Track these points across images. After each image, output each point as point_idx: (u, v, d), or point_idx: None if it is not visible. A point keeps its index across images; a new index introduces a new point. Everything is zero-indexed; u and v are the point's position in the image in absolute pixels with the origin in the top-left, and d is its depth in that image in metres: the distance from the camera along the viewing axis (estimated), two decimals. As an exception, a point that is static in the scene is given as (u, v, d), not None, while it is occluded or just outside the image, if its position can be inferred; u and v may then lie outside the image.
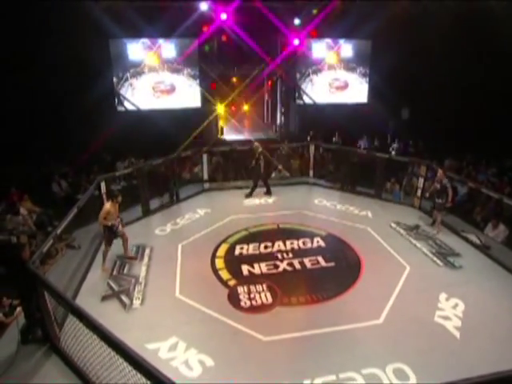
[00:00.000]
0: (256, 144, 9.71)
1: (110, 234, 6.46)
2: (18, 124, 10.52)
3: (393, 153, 13.14)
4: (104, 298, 5.67)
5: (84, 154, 11.13)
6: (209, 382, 4.21)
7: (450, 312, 5.46)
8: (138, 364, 3.05)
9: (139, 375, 3.07)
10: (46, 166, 11.24)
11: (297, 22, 12.00)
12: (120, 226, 6.59)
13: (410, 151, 13.37)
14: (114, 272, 6.36)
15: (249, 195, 9.69)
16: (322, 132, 14.36)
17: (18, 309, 5.18)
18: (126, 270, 6.43)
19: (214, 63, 14.23)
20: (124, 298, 5.67)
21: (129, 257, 6.78)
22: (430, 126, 13.78)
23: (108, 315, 5.07)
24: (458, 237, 7.78)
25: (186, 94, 14.26)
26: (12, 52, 10.13)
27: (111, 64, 13.12)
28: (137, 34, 13.08)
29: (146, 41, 13.57)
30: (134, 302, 5.59)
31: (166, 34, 13.42)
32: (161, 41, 13.74)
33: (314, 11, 12.25)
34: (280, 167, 11.24)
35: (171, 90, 14.11)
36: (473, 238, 7.64)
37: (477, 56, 12.43)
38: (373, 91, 15.31)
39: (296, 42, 12.53)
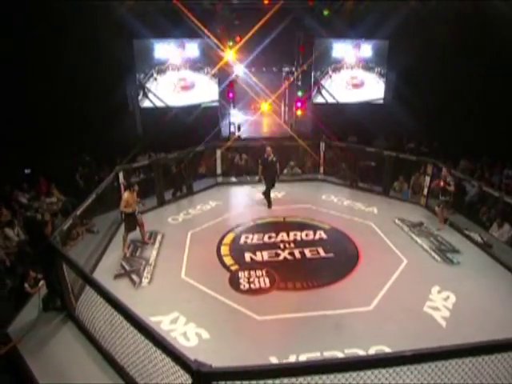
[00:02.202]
0: (269, 149, 9.25)
1: (130, 220, 7.06)
2: (46, 119, 11.34)
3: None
4: (116, 276, 6.26)
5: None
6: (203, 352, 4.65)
7: (440, 303, 5.67)
8: (141, 327, 3.54)
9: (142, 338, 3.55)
10: (70, 159, 12.06)
11: (307, 22, 12.31)
12: (139, 214, 7.19)
13: (423, 151, 13.33)
14: (128, 254, 6.94)
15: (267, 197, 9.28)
16: (338, 131, 14.53)
17: (42, 282, 5.80)
18: (138, 253, 7.00)
19: (232, 62, 14.67)
20: (134, 276, 6.23)
21: (144, 241, 7.34)
22: (447, 126, 13.70)
23: (119, 291, 5.52)
24: (461, 235, 7.89)
25: (205, 91, 14.80)
26: (40, 51, 10.89)
27: (134, 63, 13.81)
28: (162, 34, 13.70)
29: (171, 41, 14.18)
30: (143, 280, 6.14)
31: (190, 35, 13.95)
32: (185, 41, 14.32)
33: (325, 13, 12.45)
34: (292, 163, 11.56)
35: (191, 86, 14.69)
36: (476, 236, 7.73)
37: (496, 56, 12.27)
38: (389, 91, 15.34)
39: (307, 42, 12.85)
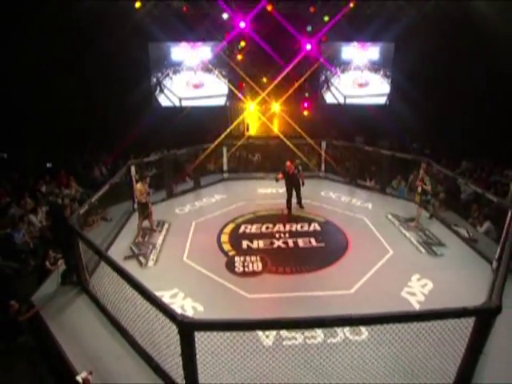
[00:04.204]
0: (288, 163, 9.15)
1: (143, 209, 7.83)
2: (66, 118, 12.29)
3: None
4: (126, 258, 7.01)
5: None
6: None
7: (417, 289, 6.16)
8: (140, 287, 4.22)
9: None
10: (89, 155, 12.98)
11: (309, 28, 12.81)
12: (150, 204, 7.96)
13: (426, 152, 13.68)
14: (136, 239, 7.67)
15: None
16: (345, 131, 15.03)
17: (60, 260, 6.60)
18: (146, 239, 7.74)
19: (243, 64, 15.31)
20: (142, 258, 6.97)
21: (152, 229, 8.07)
22: (451, 127, 14.00)
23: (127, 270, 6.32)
24: (449, 230, 8.30)
25: (215, 91, 15.56)
26: (58, 54, 11.80)
27: (150, 64, 14.65)
28: (176, 37, 14.49)
29: (186, 44, 14.97)
30: (149, 262, 6.88)
31: (203, 38, 14.68)
32: (199, 44, 15.09)
33: (326, 18, 12.95)
34: (297, 162, 12.08)
35: (201, 85, 15.48)
36: (463, 232, 8.13)
37: (499, 57, 12.53)
38: (394, 92, 15.72)
39: (308, 46, 13.35)
